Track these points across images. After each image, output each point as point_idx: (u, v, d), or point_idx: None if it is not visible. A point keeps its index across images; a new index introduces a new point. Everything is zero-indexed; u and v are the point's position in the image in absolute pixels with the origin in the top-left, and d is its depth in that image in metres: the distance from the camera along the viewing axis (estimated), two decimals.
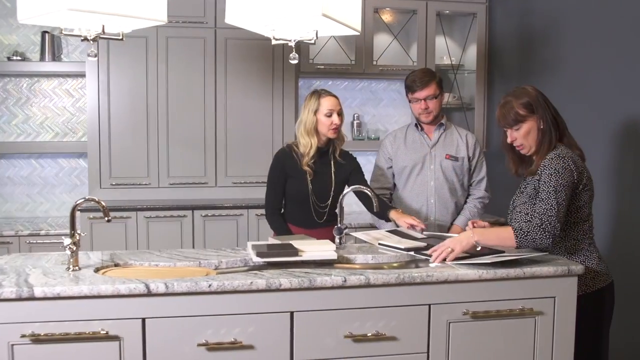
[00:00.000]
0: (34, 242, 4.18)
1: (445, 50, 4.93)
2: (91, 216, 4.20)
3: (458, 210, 3.53)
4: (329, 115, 3.22)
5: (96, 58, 2.67)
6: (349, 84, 5.07)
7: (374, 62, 4.78)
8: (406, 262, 2.65)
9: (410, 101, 3.50)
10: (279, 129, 4.62)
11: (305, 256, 2.52)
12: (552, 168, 2.50)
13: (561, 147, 2.61)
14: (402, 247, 2.69)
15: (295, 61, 2.80)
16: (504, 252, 2.63)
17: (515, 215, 2.71)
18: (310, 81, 5.01)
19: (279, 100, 4.60)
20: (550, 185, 2.48)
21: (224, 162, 4.57)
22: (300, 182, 3.25)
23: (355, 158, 3.44)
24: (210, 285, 2.16)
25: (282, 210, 3.40)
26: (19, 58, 4.50)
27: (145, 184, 4.48)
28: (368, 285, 2.27)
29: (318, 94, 3.28)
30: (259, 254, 2.49)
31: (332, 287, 2.25)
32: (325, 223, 3.28)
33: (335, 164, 3.32)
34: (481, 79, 4.90)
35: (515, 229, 2.49)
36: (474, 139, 3.55)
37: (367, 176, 3.56)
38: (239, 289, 2.18)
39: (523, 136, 2.64)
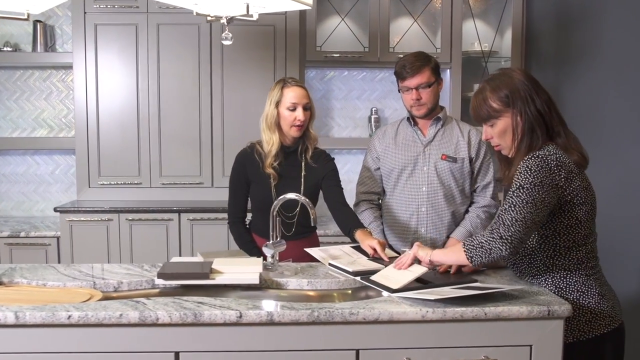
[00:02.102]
0: (15, 243, 3.93)
1: (475, 35, 4.30)
2: (71, 218, 3.89)
3: (456, 222, 2.93)
4: (292, 110, 2.72)
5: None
6: (367, 74, 4.53)
7: (391, 49, 4.23)
8: (354, 291, 2.12)
9: (400, 90, 2.94)
10: None
11: (219, 279, 2.05)
12: (523, 167, 1.93)
13: (549, 147, 1.99)
14: (351, 270, 2.16)
15: (229, 42, 2.32)
16: (475, 281, 2.05)
17: None
18: (323, 71, 4.52)
19: None
20: (516, 184, 1.92)
21: (220, 160, 4.16)
22: (263, 187, 2.78)
23: (333, 159, 2.92)
24: (70, 317, 1.74)
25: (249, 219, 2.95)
26: (10, 49, 4.26)
27: (137, 184, 4.14)
28: (271, 323, 1.77)
29: (282, 83, 2.79)
30: (160, 276, 2.04)
31: (224, 324, 1.76)
32: (295, 236, 2.79)
33: (306, 167, 2.83)
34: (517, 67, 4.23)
35: (465, 241, 2.00)
36: (478, 137, 2.94)
37: None
38: (105, 322, 1.74)
39: (499, 135, 2.06)
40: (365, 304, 1.82)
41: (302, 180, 2.80)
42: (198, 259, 2.28)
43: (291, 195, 2.32)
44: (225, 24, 2.33)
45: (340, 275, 2.19)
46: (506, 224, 1.89)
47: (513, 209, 1.89)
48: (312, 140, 2.83)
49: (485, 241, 1.91)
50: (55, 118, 4.46)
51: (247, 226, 2.92)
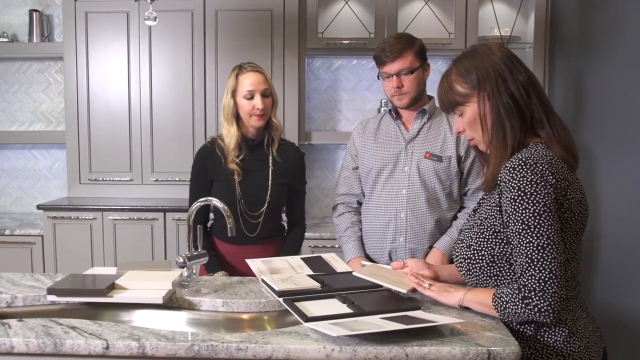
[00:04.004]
0: (1, 241, 3.79)
1: (494, 18, 3.84)
2: (53, 215, 3.71)
3: (441, 230, 2.54)
4: (250, 98, 2.43)
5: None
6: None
7: None
8: (279, 314, 1.79)
9: (379, 77, 2.59)
10: (279, 118, 3.83)
11: (118, 297, 1.77)
12: (514, 187, 1.51)
13: (537, 148, 1.60)
14: (277, 289, 1.83)
15: (151, 22, 2.03)
16: (419, 308, 1.69)
17: (457, 244, 1.77)
18: (330, 60, 4.18)
19: (279, 83, 3.83)
20: (518, 221, 1.50)
21: None
22: (226, 185, 2.51)
23: (303, 155, 2.68)
24: None
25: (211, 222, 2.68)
26: (6, 40, 4.13)
27: (128, 181, 3.94)
28: (143, 357, 1.46)
29: (238, 69, 2.52)
30: (51, 291, 1.78)
31: (89, 356, 1.47)
32: (258, 239, 2.52)
33: (273, 161, 2.54)
34: (540, 54, 3.76)
35: (495, 296, 1.58)
36: None
37: None
38: None
39: (469, 125, 1.70)
40: (262, 337, 1.48)
41: (270, 174, 2.52)
42: (109, 271, 2.00)
43: (216, 203, 2.01)
44: (149, 2, 2.03)
45: (270, 295, 1.87)
46: (537, 289, 1.46)
47: (534, 265, 1.47)
48: (277, 130, 2.57)
49: (523, 313, 1.50)
50: (53, 111, 4.32)
51: (208, 229, 2.65)
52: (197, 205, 1.99)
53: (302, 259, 2.20)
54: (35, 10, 4.12)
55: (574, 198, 1.56)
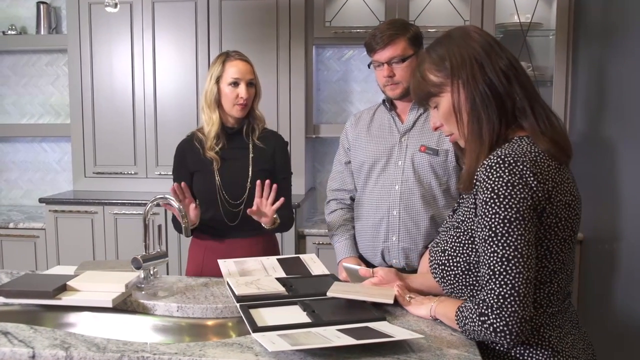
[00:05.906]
0: (5, 235, 3.77)
1: (513, 4, 3.62)
2: (55, 209, 3.66)
3: (438, 229, 2.36)
4: (234, 86, 2.32)
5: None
6: None
7: (411, 22, 3.62)
8: (238, 321, 1.66)
9: (370, 66, 2.43)
10: (286, 111, 3.72)
11: (67, 300, 1.66)
12: (487, 188, 1.33)
13: (520, 141, 1.42)
14: (237, 293, 1.69)
15: (112, 9, 1.91)
16: (384, 319, 1.53)
17: (432, 247, 1.61)
18: (341, 51, 4.02)
19: (285, 75, 3.69)
20: (486, 227, 1.33)
21: None
22: (206, 175, 2.43)
23: (286, 144, 2.56)
24: None
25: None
26: (14, 32, 4.10)
27: (133, 174, 3.87)
28: None
29: (225, 56, 2.42)
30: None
31: None
32: (241, 232, 2.41)
33: (254, 148, 2.44)
34: (563, 42, 3.52)
35: (458, 310, 1.43)
36: None
37: None
38: None
39: (445, 118, 1.52)
40: (200, 348, 1.35)
41: (251, 161, 2.41)
42: (71, 270, 1.90)
43: (172, 202, 1.90)
44: None
45: (232, 299, 1.73)
46: (494, 307, 1.29)
47: (495, 278, 1.29)
48: (259, 120, 2.48)
49: (480, 331, 1.33)
50: (62, 104, 4.28)
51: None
52: (150, 204, 1.87)
53: (277, 259, 2.06)
54: (43, 2, 4.07)
55: (561, 201, 1.37)
